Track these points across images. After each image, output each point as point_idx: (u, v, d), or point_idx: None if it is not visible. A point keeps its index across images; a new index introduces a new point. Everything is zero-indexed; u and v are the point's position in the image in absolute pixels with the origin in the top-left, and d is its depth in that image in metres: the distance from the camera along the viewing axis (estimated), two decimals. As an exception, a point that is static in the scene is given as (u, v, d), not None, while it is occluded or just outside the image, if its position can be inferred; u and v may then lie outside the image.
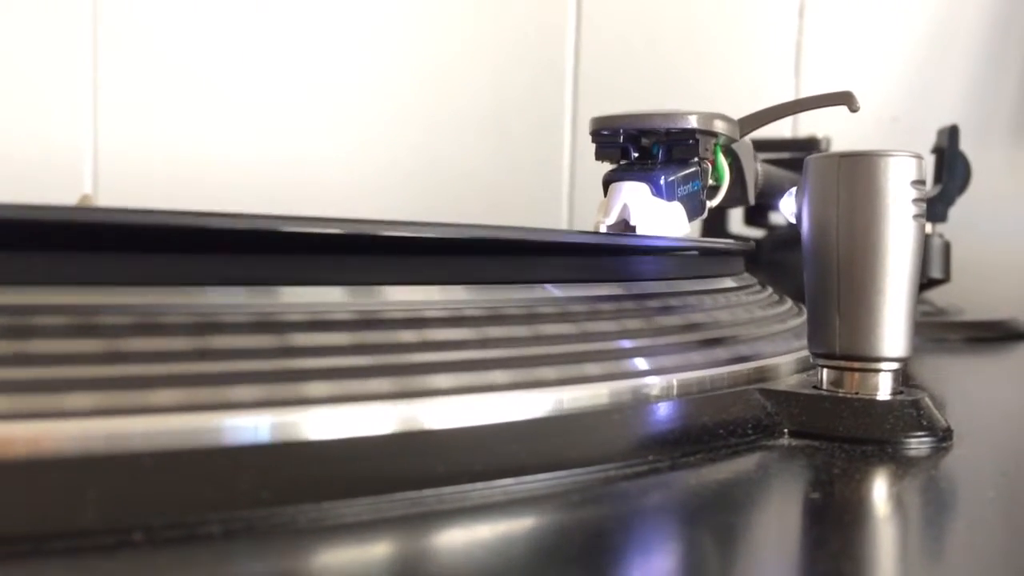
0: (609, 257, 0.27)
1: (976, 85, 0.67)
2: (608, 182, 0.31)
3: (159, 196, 0.69)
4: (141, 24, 0.73)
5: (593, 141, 0.32)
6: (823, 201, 0.24)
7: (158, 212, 0.18)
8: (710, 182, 0.33)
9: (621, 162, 0.32)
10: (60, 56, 0.72)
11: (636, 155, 0.32)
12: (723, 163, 0.33)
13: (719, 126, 0.32)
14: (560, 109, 0.77)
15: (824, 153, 0.25)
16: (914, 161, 0.24)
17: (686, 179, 0.31)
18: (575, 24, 0.77)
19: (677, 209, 0.31)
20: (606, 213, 0.30)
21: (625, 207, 0.30)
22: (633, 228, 0.30)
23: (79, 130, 0.72)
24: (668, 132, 0.31)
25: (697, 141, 0.31)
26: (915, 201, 0.23)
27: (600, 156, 0.32)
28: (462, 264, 0.23)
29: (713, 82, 0.73)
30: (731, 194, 0.34)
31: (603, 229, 0.30)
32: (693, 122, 0.31)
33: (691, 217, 0.32)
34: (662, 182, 0.30)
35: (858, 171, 0.24)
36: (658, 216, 0.30)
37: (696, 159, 0.31)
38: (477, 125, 0.77)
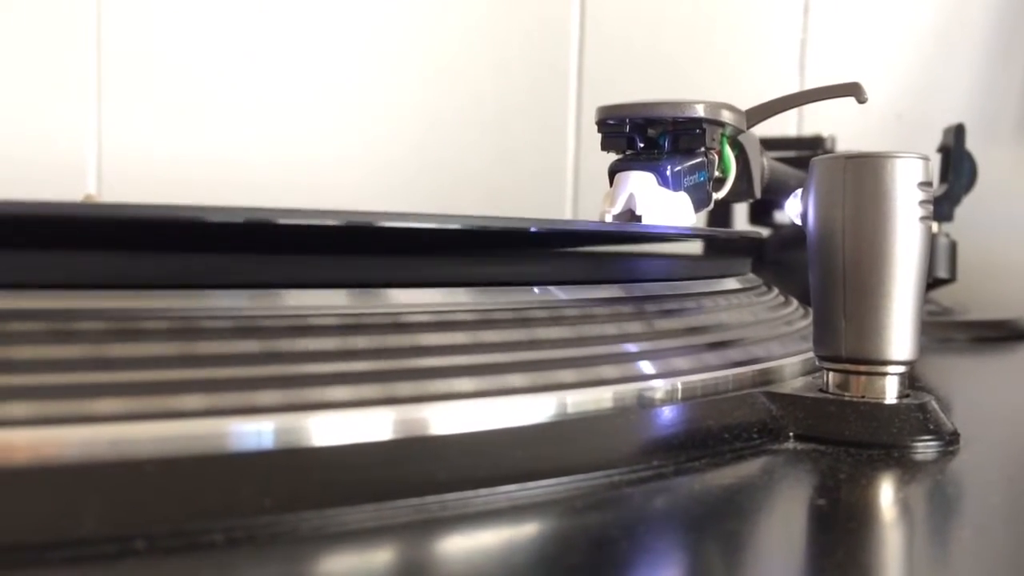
0: (616, 249, 0.26)
1: (982, 82, 0.67)
2: (614, 172, 0.31)
3: (162, 197, 0.69)
4: (144, 24, 0.73)
5: (599, 131, 0.32)
6: (829, 203, 0.24)
7: (158, 206, 0.18)
8: (716, 173, 0.32)
9: (627, 152, 0.31)
10: (63, 56, 0.72)
11: (642, 145, 0.31)
12: (729, 154, 0.32)
13: (726, 116, 0.31)
14: (564, 107, 0.76)
15: (830, 154, 0.25)
16: (921, 162, 0.23)
17: (692, 169, 0.31)
18: (579, 22, 0.76)
19: (683, 199, 0.30)
20: (612, 203, 0.30)
21: (631, 197, 0.30)
22: (639, 218, 0.30)
23: (82, 130, 0.72)
24: (675, 121, 0.31)
25: (704, 131, 0.31)
26: (922, 203, 0.23)
27: (606, 146, 0.32)
28: (462, 263, 0.22)
29: (717, 80, 0.73)
30: (737, 187, 0.34)
31: (609, 219, 0.30)
32: (700, 111, 0.30)
33: (697, 208, 0.31)
34: (668, 172, 0.30)
35: (865, 172, 0.23)
36: (664, 206, 0.30)
37: (703, 149, 0.31)
38: (480, 124, 0.77)
